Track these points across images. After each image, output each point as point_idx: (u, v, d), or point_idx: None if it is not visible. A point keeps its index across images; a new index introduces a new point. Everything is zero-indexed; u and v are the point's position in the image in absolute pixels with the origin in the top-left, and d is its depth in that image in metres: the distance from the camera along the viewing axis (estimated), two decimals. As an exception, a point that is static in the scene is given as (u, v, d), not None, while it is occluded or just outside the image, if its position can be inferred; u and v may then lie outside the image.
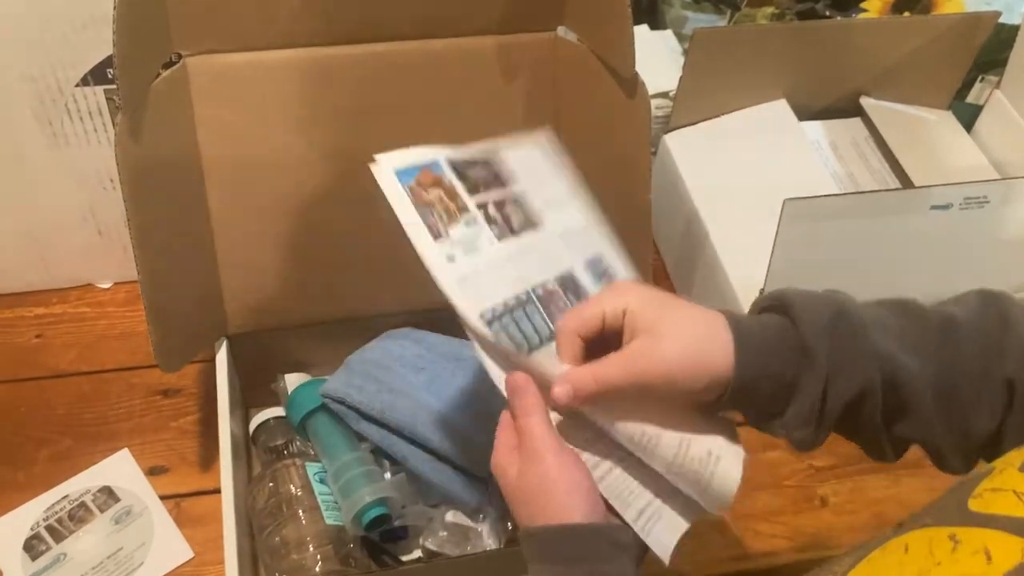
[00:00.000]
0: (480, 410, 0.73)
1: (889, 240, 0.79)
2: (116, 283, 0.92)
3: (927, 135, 1.00)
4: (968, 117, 1.04)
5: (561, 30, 0.76)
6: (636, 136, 0.72)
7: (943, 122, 1.02)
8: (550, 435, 0.50)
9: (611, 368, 0.48)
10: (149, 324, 0.69)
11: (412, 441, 0.71)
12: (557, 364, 0.50)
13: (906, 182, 0.94)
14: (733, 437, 0.52)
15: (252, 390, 0.82)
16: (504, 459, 0.52)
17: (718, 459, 0.50)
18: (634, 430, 0.50)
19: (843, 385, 0.48)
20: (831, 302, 0.49)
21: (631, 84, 0.71)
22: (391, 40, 0.73)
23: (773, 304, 0.51)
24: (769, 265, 0.78)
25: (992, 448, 0.50)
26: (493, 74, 0.76)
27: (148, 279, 0.67)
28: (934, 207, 0.78)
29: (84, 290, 0.92)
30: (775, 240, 0.76)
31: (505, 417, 0.53)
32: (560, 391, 0.48)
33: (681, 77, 0.92)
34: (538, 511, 0.49)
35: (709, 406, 0.50)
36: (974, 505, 0.38)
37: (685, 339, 0.48)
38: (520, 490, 0.50)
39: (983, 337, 0.49)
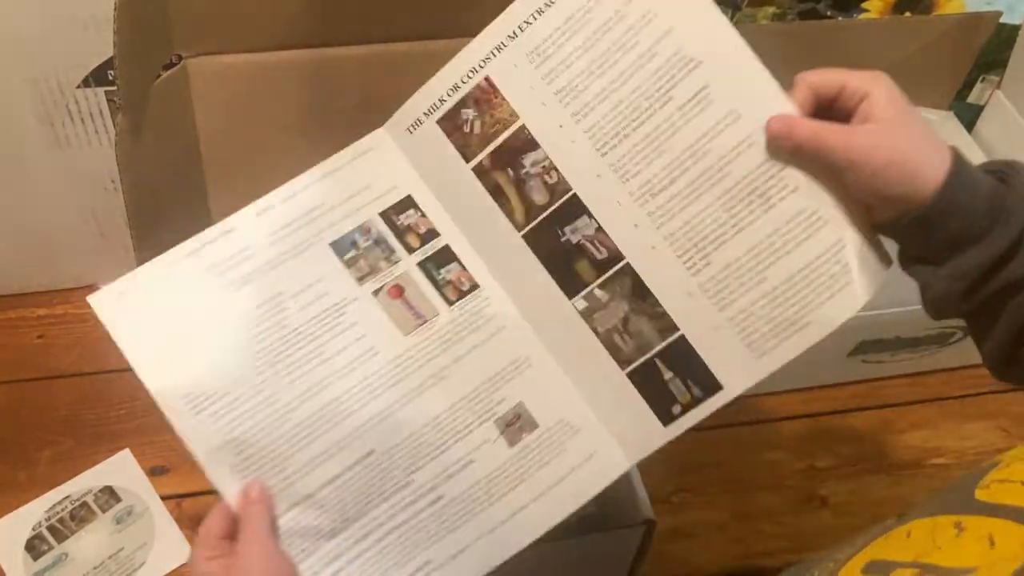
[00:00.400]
0: None
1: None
2: (121, 281, 0.93)
3: (928, 135, 1.00)
4: (969, 117, 1.04)
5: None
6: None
7: (944, 123, 1.02)
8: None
9: (832, 133, 0.49)
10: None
11: None
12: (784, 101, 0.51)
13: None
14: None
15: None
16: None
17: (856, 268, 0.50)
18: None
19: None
20: None
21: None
22: (392, 41, 0.73)
23: (1000, 169, 0.50)
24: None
25: None
26: (493, 75, 0.76)
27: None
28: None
29: (87, 291, 0.91)
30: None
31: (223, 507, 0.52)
32: (779, 124, 0.50)
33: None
34: None
35: (884, 223, 0.50)
36: (981, 495, 0.38)
37: (914, 145, 0.48)
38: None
39: None
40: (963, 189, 0.47)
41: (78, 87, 0.77)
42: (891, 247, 0.52)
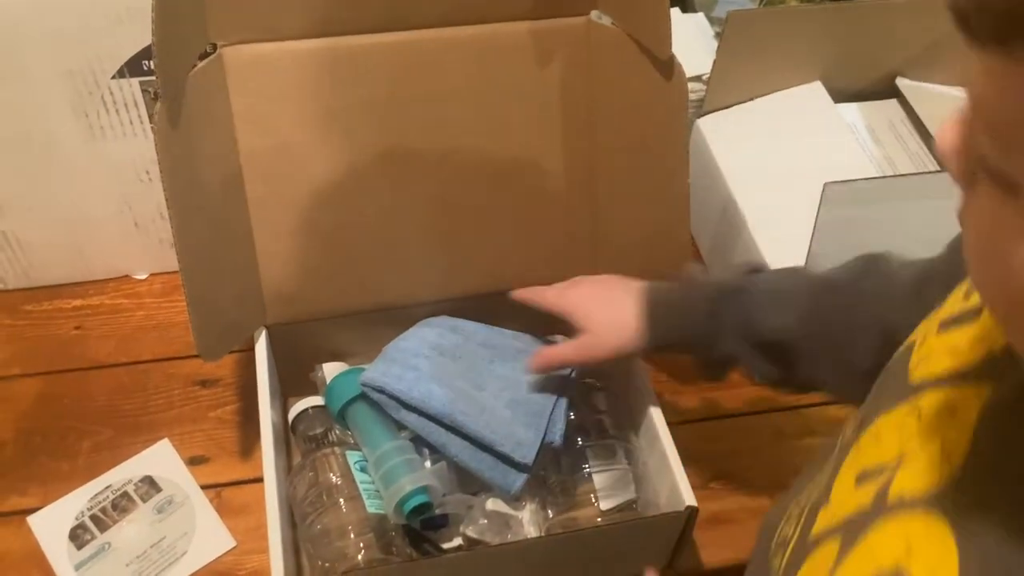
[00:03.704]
0: (517, 398, 0.73)
1: (930, 222, 0.77)
2: (152, 274, 0.93)
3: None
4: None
5: (594, 14, 0.75)
6: (673, 119, 0.72)
7: (981, 102, 1.01)
8: None
9: (568, 351, 0.71)
10: (190, 314, 0.69)
11: (451, 429, 0.71)
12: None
13: (945, 164, 0.92)
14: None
15: (289, 379, 0.82)
16: None
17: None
18: None
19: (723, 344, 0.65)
20: (722, 288, 0.66)
21: (667, 66, 0.70)
22: (422, 28, 0.72)
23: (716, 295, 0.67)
24: (809, 249, 0.77)
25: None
26: (526, 60, 0.75)
27: (188, 269, 0.68)
28: (976, 188, 0.77)
29: (121, 281, 0.93)
30: (815, 224, 0.75)
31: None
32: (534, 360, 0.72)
33: (715, 60, 0.91)
34: None
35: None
36: (914, 377, 0.41)
37: (612, 330, 0.69)
38: None
39: (850, 288, 0.61)
40: (663, 327, 0.67)
41: (112, 78, 0.77)
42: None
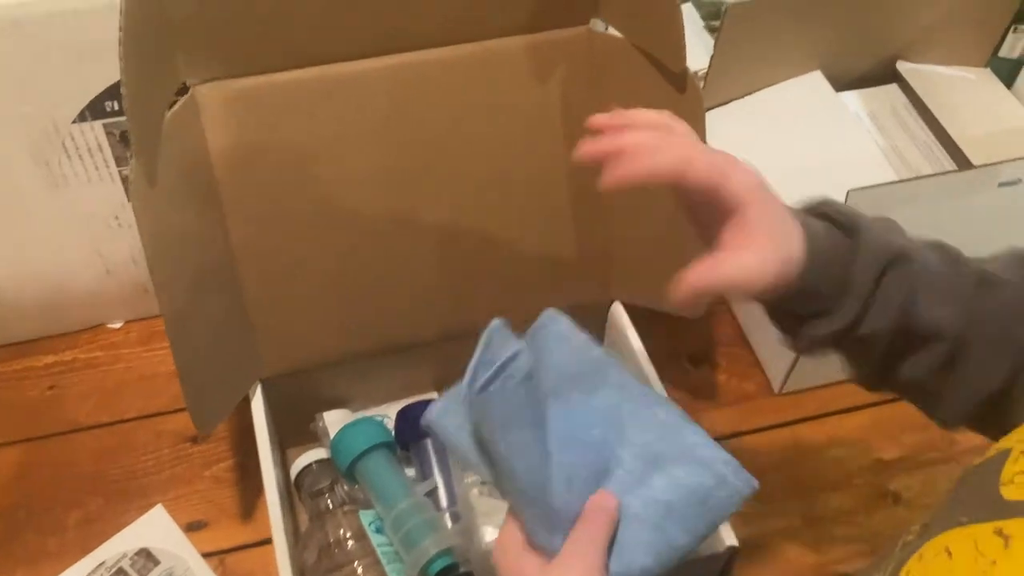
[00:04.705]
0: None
1: (957, 223, 0.73)
2: (128, 322, 0.87)
3: (968, 97, 0.95)
4: (1006, 72, 0.99)
5: (595, 23, 0.70)
6: (689, 136, 0.67)
7: (983, 81, 0.97)
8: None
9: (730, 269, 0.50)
10: (183, 387, 0.63)
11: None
12: None
13: (954, 151, 0.89)
14: None
15: (287, 429, 0.77)
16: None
17: None
18: None
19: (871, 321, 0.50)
20: (890, 248, 0.51)
21: (680, 79, 0.65)
22: (414, 49, 0.67)
23: (842, 221, 0.52)
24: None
25: (993, 410, 0.51)
26: (526, 77, 0.70)
27: (179, 342, 0.62)
28: (1002, 184, 0.73)
29: (95, 332, 0.86)
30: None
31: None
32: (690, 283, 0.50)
33: (713, 56, 0.86)
34: None
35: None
36: (1008, 493, 0.36)
37: (775, 238, 0.50)
38: None
39: (1013, 293, 0.51)
40: (816, 272, 0.49)
41: (74, 122, 0.70)
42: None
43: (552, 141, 0.72)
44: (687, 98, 0.65)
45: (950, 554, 0.36)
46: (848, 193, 0.70)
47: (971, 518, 0.37)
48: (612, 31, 0.69)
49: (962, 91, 0.95)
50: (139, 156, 0.56)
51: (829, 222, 0.52)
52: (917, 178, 0.70)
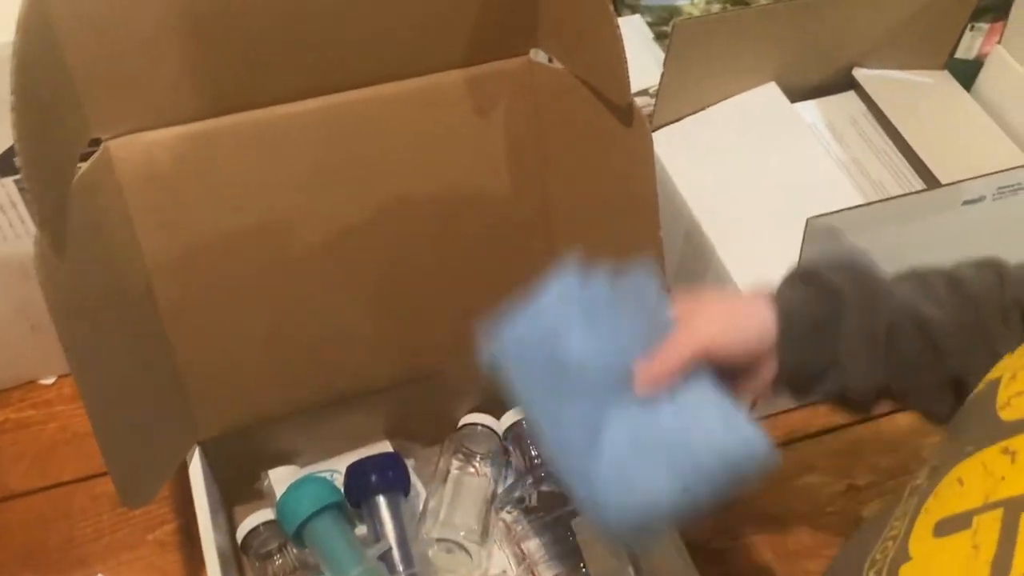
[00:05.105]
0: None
1: (921, 243, 0.71)
2: (60, 377, 0.82)
3: (927, 102, 0.93)
4: (964, 73, 0.96)
5: (535, 53, 0.66)
6: (638, 170, 0.63)
7: (941, 85, 0.95)
8: None
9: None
10: (107, 462, 0.59)
11: None
12: None
13: (915, 161, 0.86)
14: None
15: (232, 487, 0.73)
16: None
17: None
18: None
19: (875, 318, 0.50)
20: (852, 264, 0.53)
21: (626, 112, 0.62)
22: (346, 89, 0.63)
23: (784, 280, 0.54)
24: (793, 287, 0.70)
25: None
26: (466, 113, 0.66)
27: (98, 414, 0.57)
28: (966, 202, 0.71)
29: (25, 390, 0.82)
30: (799, 260, 0.68)
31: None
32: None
33: (663, 73, 0.83)
34: None
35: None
36: (1006, 415, 0.38)
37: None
38: None
39: (986, 281, 0.52)
40: (793, 351, 0.51)
41: (-18, 180, 0.65)
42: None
43: (496, 176, 0.68)
44: (633, 132, 0.62)
45: (962, 483, 0.38)
46: (807, 222, 0.67)
47: (976, 446, 0.38)
48: (554, 63, 0.65)
49: (920, 96, 0.93)
50: (43, 227, 0.52)
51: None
52: (878, 201, 0.68)
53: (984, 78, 0.94)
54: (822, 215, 0.66)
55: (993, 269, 0.53)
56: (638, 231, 0.65)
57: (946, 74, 0.95)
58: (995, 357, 0.48)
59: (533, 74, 0.66)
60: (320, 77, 0.62)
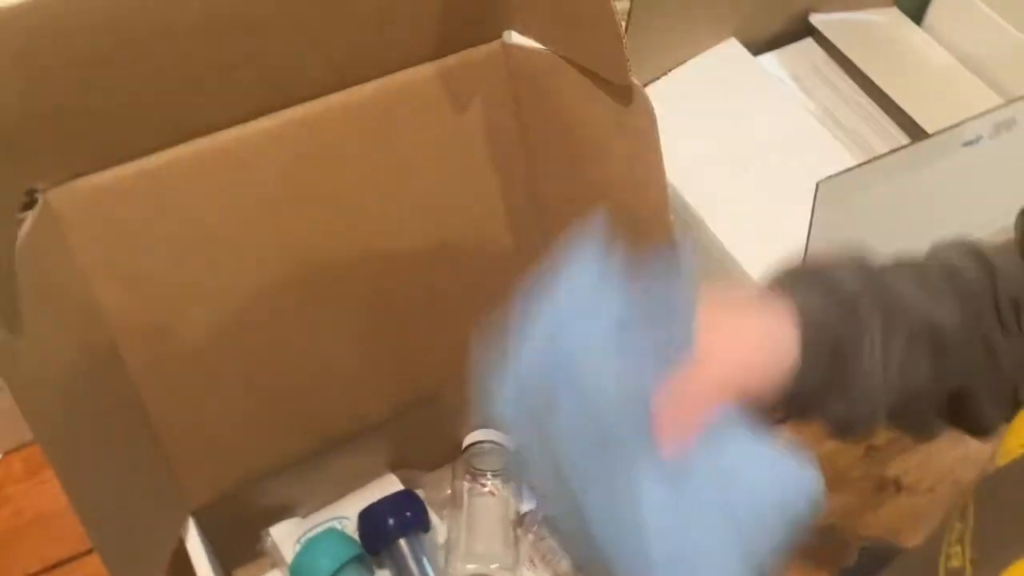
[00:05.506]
0: None
1: (927, 190, 0.69)
2: (7, 452, 0.73)
3: (882, 41, 0.90)
4: (913, 8, 0.94)
5: (508, 35, 0.60)
6: (642, 153, 0.58)
7: (892, 22, 0.92)
8: None
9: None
10: (101, 555, 0.51)
11: None
12: None
13: (886, 104, 0.84)
14: None
15: (230, 549, 0.66)
16: None
17: None
18: None
19: (894, 341, 0.46)
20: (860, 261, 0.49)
21: (624, 91, 0.56)
22: (304, 100, 0.56)
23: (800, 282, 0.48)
24: (806, 251, 0.67)
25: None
26: (440, 108, 0.60)
27: (80, 499, 0.50)
28: (966, 143, 0.68)
29: (-14, 463, 0.73)
30: (811, 225, 0.65)
31: None
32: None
33: (624, 40, 0.78)
34: None
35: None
36: None
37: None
38: None
39: (976, 272, 0.48)
40: (810, 378, 0.45)
41: None
42: None
43: (480, 175, 0.62)
44: (635, 111, 0.56)
45: None
46: (818, 185, 0.63)
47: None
48: (532, 43, 0.59)
49: (875, 35, 0.90)
50: (-7, 307, 0.44)
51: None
52: (882, 156, 0.64)
53: (934, 11, 0.92)
54: (832, 176, 0.63)
55: (976, 258, 0.49)
56: (646, 219, 0.60)
57: (895, 10, 0.93)
58: (992, 356, 0.47)
59: (509, 58, 0.60)
60: (274, 91, 0.55)
